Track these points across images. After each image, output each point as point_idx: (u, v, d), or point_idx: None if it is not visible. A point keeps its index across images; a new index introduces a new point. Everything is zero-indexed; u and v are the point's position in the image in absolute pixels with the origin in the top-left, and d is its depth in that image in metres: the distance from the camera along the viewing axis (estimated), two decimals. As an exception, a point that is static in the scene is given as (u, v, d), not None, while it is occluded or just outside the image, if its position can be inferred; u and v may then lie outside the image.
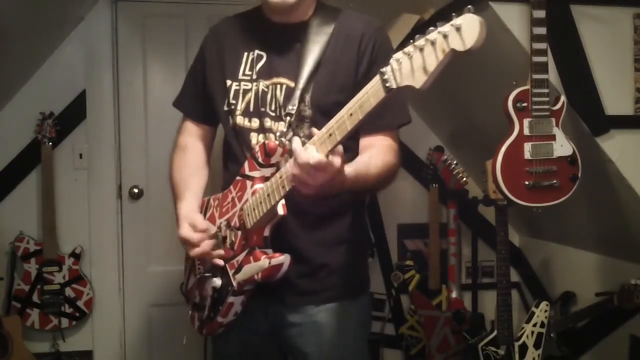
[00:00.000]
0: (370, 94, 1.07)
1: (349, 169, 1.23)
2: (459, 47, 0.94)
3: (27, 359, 2.67)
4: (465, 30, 0.92)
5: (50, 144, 2.78)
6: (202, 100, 1.67)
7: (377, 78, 1.06)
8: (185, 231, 1.52)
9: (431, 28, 0.98)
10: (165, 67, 2.97)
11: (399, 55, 1.02)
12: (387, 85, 1.04)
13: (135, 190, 2.99)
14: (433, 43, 0.96)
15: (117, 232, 2.98)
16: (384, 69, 1.04)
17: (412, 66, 1.00)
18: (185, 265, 1.71)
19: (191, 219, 1.52)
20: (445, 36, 0.95)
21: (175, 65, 2.94)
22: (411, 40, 1.00)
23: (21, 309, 2.73)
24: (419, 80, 0.99)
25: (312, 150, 1.16)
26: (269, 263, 1.40)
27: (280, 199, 1.34)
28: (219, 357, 1.71)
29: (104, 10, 2.91)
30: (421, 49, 0.98)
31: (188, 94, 1.74)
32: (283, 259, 1.40)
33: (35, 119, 2.78)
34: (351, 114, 1.10)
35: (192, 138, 1.73)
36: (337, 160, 1.17)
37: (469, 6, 0.94)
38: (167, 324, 2.93)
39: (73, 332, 2.89)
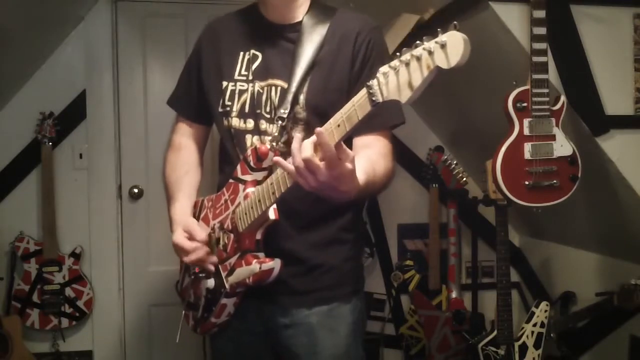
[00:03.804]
0: (356, 107, 1.07)
1: (360, 176, 1.20)
2: (444, 65, 0.93)
3: (27, 359, 2.67)
4: (450, 48, 0.92)
5: (50, 144, 2.78)
6: (197, 99, 1.66)
7: (363, 91, 1.06)
8: (180, 238, 1.51)
9: (417, 42, 0.97)
10: (165, 67, 2.97)
11: (385, 68, 1.02)
12: (374, 99, 1.03)
13: (135, 191, 2.98)
14: (419, 59, 0.96)
15: (117, 232, 2.98)
16: (370, 82, 1.04)
17: (398, 81, 0.99)
18: (180, 265, 1.71)
19: (186, 226, 1.52)
20: (430, 52, 0.94)
21: (175, 66, 2.89)
22: (397, 54, 1.00)
23: (21, 309, 2.73)
24: (404, 96, 0.99)
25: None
26: (260, 268, 1.40)
27: (272, 205, 1.33)
28: (215, 356, 1.72)
29: (104, 10, 2.91)
30: (407, 64, 0.98)
31: (182, 92, 1.72)
32: (273, 264, 1.41)
33: (35, 119, 2.78)
34: (338, 125, 1.10)
35: (185, 137, 1.72)
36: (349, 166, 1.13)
37: (454, 22, 0.93)
38: (167, 324, 2.92)
39: (73, 332, 2.89)
